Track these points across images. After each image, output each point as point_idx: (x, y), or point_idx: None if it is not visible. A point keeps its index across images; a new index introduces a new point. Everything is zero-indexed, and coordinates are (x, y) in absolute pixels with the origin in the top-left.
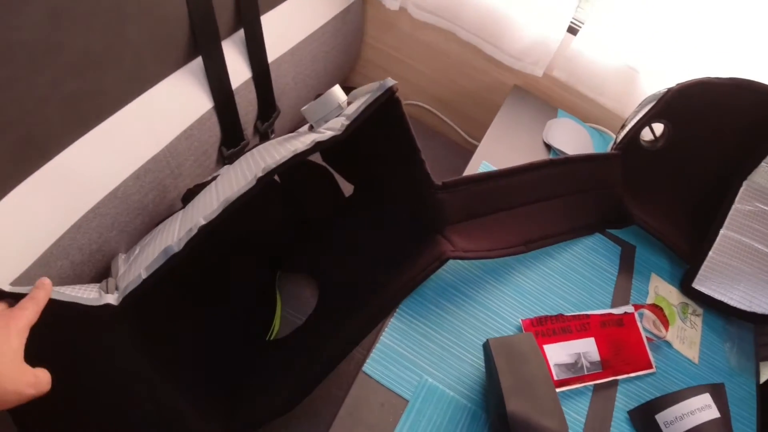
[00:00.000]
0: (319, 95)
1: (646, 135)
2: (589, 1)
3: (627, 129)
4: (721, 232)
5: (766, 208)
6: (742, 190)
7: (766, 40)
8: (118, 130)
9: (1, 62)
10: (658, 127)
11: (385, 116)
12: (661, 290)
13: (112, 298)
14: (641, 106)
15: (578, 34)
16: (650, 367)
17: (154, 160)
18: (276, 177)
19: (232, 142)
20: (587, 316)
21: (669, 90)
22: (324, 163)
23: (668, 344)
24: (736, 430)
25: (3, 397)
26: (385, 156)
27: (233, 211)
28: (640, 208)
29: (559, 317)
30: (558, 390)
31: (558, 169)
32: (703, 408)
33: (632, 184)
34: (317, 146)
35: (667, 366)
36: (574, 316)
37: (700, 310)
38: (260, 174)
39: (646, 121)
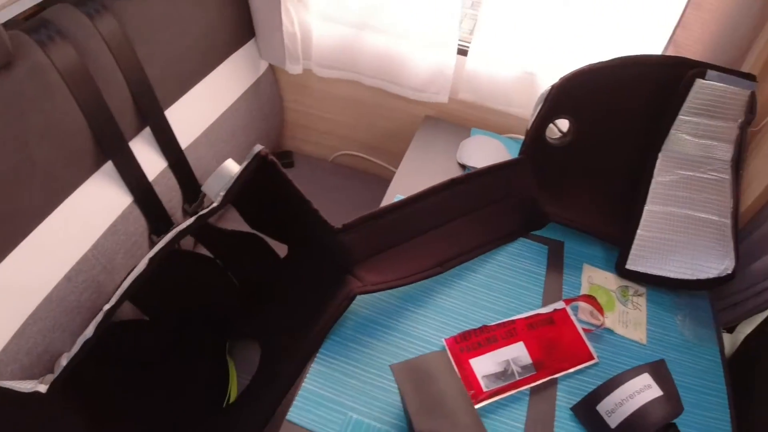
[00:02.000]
0: None
1: (553, 133)
2: (474, 20)
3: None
4: (646, 208)
5: (686, 173)
6: (659, 162)
7: (647, 18)
8: (43, 240)
9: None
10: (564, 123)
11: (270, 178)
12: (596, 279)
13: (42, 387)
14: (534, 108)
15: (468, 55)
16: (591, 358)
17: (83, 260)
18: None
19: (161, 229)
20: (512, 321)
21: (552, 87)
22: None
23: (610, 331)
24: (705, 401)
25: None
26: (285, 213)
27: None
28: (559, 204)
29: (483, 329)
30: (489, 401)
31: (462, 187)
32: (642, 389)
33: (548, 182)
34: (199, 219)
35: (612, 353)
36: (498, 325)
37: (642, 290)
38: (151, 255)
39: (539, 122)
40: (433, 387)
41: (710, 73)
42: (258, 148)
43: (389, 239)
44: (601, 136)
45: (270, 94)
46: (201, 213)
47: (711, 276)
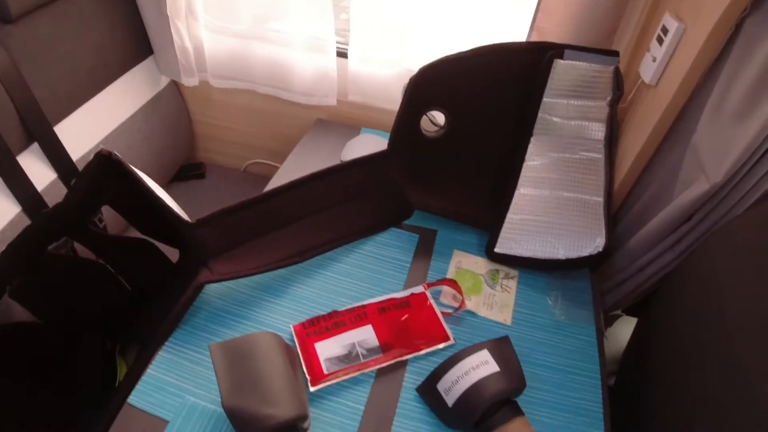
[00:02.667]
0: None
1: (430, 126)
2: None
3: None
4: (517, 192)
5: (558, 155)
6: (530, 146)
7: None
8: None
9: None
10: (441, 116)
11: (123, 179)
12: (465, 264)
13: None
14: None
15: (348, 58)
16: (447, 339)
17: None
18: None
19: (50, 240)
20: (363, 306)
21: (409, 80)
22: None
23: (473, 314)
24: (576, 381)
25: None
26: (143, 212)
27: None
28: (430, 193)
29: (332, 314)
30: (330, 382)
31: (324, 180)
32: (478, 365)
33: (420, 173)
34: (41, 217)
35: (471, 335)
36: (348, 309)
37: (514, 273)
38: None
39: (402, 114)
40: (251, 365)
41: (568, 52)
42: (99, 148)
43: (248, 231)
44: (474, 125)
45: (174, 107)
46: (44, 211)
47: (583, 255)
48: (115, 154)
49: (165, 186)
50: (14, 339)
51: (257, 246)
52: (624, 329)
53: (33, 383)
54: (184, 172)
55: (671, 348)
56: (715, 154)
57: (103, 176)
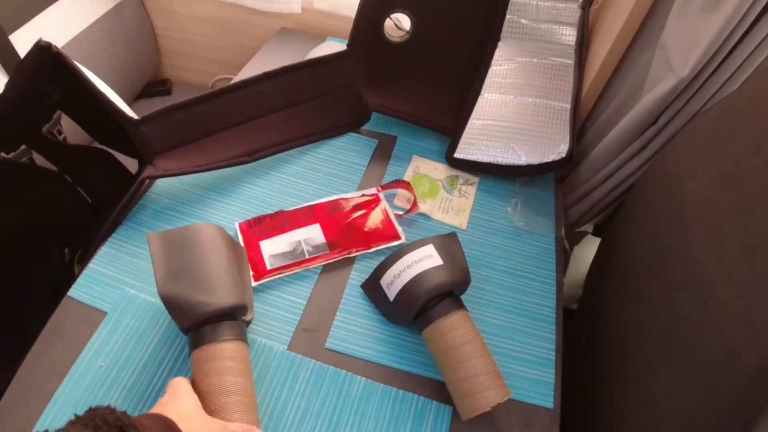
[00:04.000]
0: None
1: (393, 31)
2: None
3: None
4: (480, 97)
5: (526, 60)
6: (498, 51)
7: None
8: None
9: None
10: (406, 19)
11: (69, 79)
12: (423, 169)
13: None
14: None
15: None
16: (398, 238)
17: None
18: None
19: (7, 147)
20: (312, 206)
21: None
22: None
23: (427, 217)
24: (531, 286)
25: None
26: (97, 119)
27: None
28: (390, 97)
29: (279, 213)
30: (272, 277)
31: (279, 80)
32: (422, 259)
33: (381, 77)
34: None
35: (423, 236)
36: (297, 209)
37: (474, 180)
38: None
39: (361, 12)
40: (190, 254)
41: None
42: (41, 41)
43: (196, 130)
44: (440, 28)
45: (136, 19)
46: None
47: (545, 161)
48: (55, 46)
49: (130, 103)
50: None
51: (206, 144)
52: (590, 251)
53: None
54: (150, 88)
55: (630, 258)
56: (682, 48)
57: (46, 71)
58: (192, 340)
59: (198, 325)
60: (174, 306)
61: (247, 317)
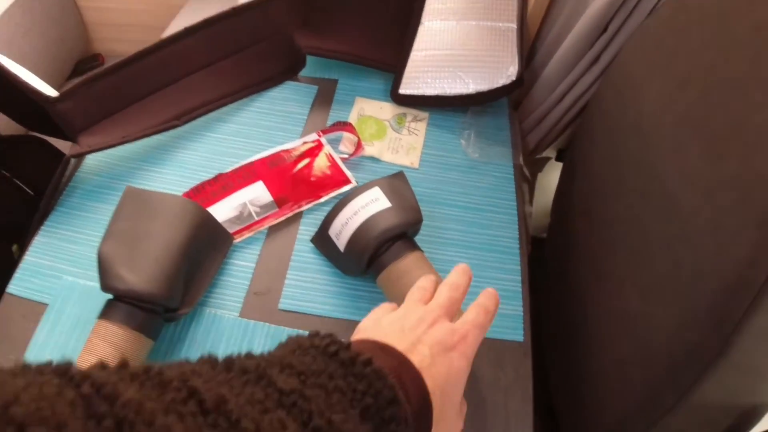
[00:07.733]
0: None
1: None
2: None
3: None
4: (421, 27)
5: None
6: None
7: None
8: None
9: None
10: None
11: None
12: (368, 110)
13: None
14: None
15: None
16: (348, 182)
17: None
18: None
19: None
20: (251, 163)
21: None
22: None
23: (376, 160)
24: (492, 218)
25: None
26: (19, 103)
27: None
28: (325, 37)
29: (218, 177)
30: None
31: (199, 35)
32: (368, 204)
33: (315, 16)
34: None
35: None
36: (235, 170)
37: (424, 116)
38: None
39: None
40: (149, 223)
41: None
42: None
43: (120, 99)
44: None
45: None
46: None
47: (496, 86)
48: None
49: (62, 84)
50: None
51: (131, 113)
52: (555, 178)
53: None
54: (81, 66)
55: (593, 177)
56: None
57: None
58: (103, 307)
59: (116, 296)
60: (102, 269)
61: (180, 311)
